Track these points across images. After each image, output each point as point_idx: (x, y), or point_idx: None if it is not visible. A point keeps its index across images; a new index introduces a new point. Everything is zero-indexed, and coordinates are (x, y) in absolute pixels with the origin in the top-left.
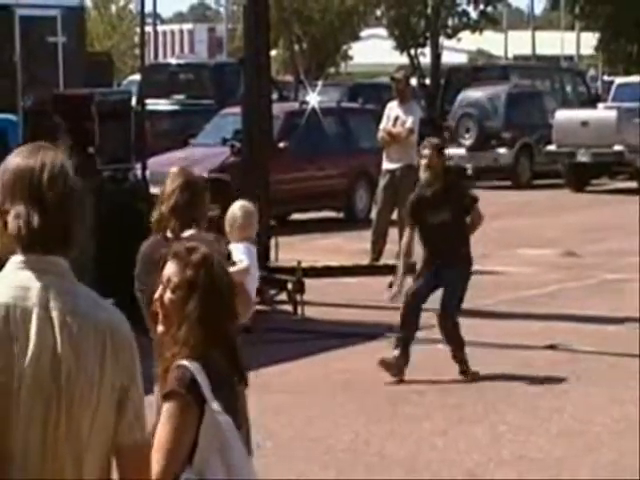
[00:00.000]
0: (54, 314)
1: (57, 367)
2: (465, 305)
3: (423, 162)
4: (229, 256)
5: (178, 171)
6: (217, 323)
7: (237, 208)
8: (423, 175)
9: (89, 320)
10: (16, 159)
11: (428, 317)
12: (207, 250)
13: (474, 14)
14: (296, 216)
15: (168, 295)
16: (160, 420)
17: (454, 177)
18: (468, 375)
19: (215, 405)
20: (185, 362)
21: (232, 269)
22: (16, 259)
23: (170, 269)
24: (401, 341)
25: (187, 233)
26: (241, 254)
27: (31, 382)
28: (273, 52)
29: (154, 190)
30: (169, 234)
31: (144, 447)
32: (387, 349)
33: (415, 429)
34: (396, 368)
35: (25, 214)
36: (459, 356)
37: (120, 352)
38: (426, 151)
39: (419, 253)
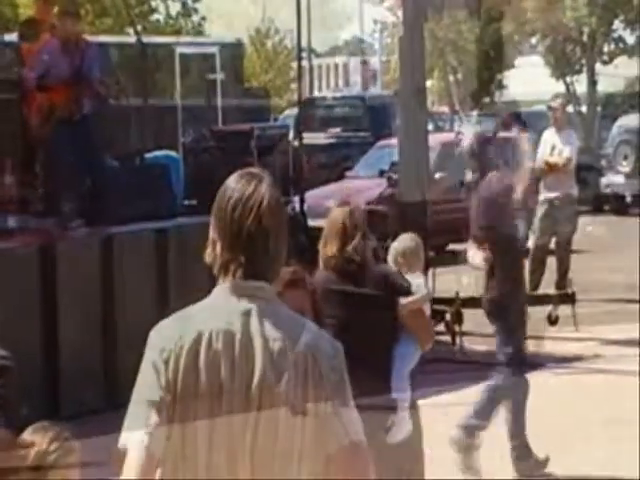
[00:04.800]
0: (255, 339)
1: (257, 392)
2: None
3: None
4: (409, 286)
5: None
6: None
7: (408, 239)
8: None
9: (291, 343)
10: (229, 184)
11: None
12: None
13: (631, 39)
14: (453, 246)
15: None
16: None
17: None
18: None
19: None
20: None
21: (412, 297)
22: (224, 284)
23: None
24: None
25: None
26: (419, 282)
27: (232, 404)
28: (428, 83)
29: (312, 223)
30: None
31: (354, 448)
32: (547, 380)
33: None
34: None
35: (229, 242)
36: None
37: (324, 370)
38: None
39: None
